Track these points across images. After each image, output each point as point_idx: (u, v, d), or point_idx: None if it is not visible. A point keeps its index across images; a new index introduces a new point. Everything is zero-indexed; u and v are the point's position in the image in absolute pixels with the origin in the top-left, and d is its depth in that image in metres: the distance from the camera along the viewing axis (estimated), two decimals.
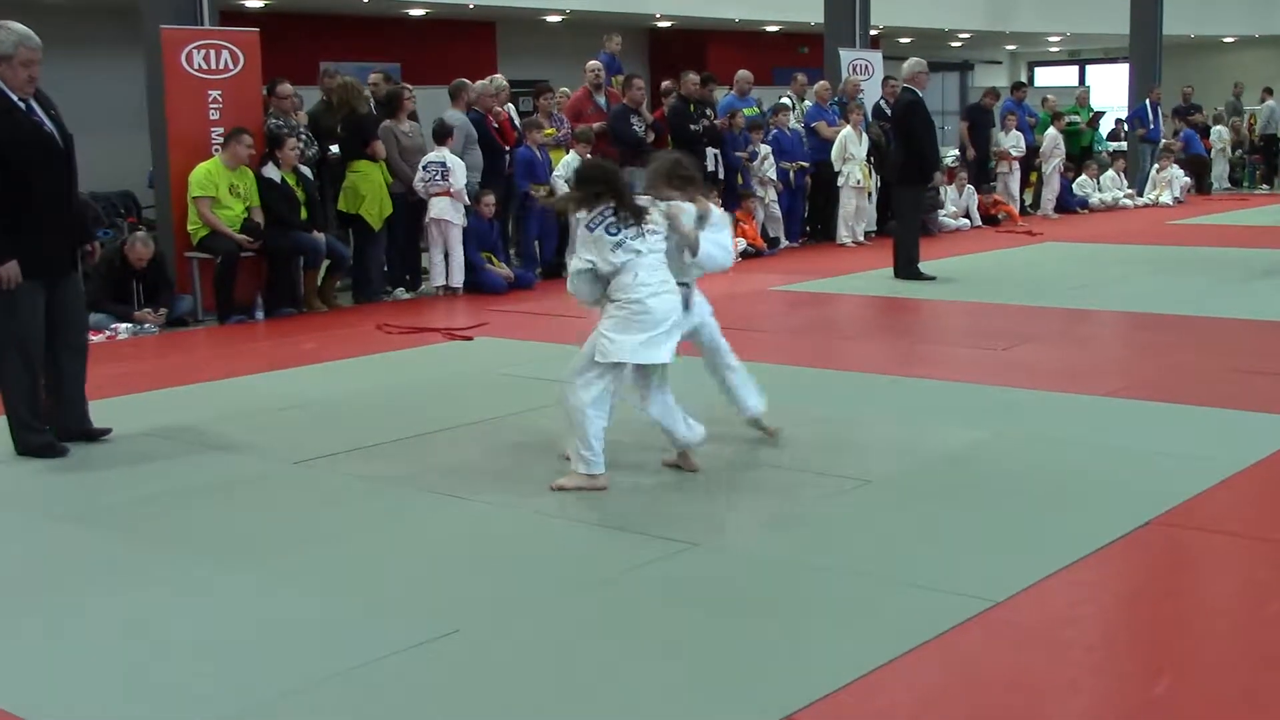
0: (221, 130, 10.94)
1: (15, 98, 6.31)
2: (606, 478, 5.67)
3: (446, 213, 11.75)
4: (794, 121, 15.92)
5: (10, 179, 6.23)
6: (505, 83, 13.86)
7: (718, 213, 6.15)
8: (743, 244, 14.43)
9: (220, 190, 10.68)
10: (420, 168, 11.78)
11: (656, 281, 5.67)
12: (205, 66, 11.06)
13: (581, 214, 5.69)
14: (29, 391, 6.48)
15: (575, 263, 5.76)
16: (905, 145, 12.61)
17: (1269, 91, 22.83)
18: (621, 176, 5.86)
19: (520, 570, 4.80)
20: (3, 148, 6.21)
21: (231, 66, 11.19)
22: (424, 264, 12.33)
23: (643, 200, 5.79)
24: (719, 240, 6.02)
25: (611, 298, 5.69)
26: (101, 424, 6.78)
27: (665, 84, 15.26)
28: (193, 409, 7.53)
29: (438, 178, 11.68)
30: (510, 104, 13.94)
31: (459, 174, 11.72)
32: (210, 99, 11.09)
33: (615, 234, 5.61)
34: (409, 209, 12.02)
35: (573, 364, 5.81)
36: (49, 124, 6.44)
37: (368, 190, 11.58)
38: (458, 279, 11.94)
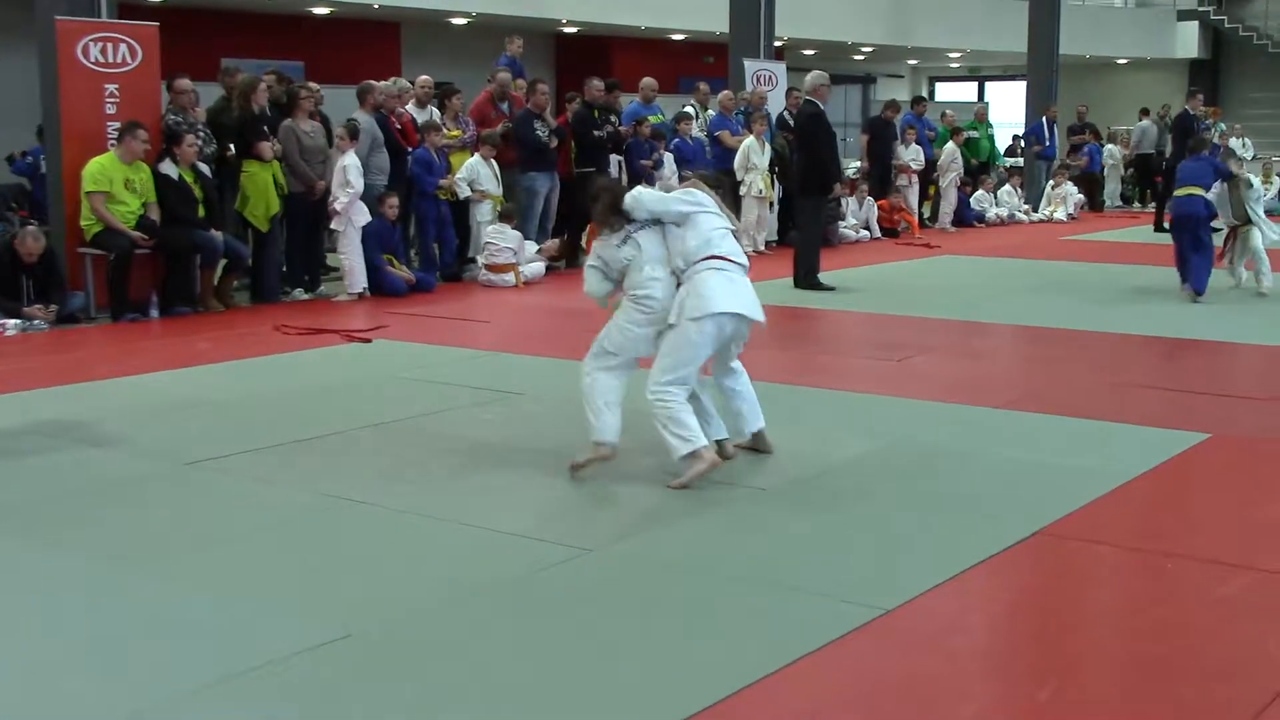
0: (117, 125, 10.75)
1: None
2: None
3: (360, 216, 11.71)
4: (696, 130, 16.00)
5: None
6: (408, 84, 13.79)
7: None
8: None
9: (115, 185, 10.49)
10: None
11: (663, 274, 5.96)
12: (102, 60, 10.86)
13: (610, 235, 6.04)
14: None
15: (588, 259, 6.21)
16: (807, 156, 12.73)
17: (1144, 112, 23.35)
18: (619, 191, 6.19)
19: (413, 574, 4.77)
20: None
21: (129, 60, 11.01)
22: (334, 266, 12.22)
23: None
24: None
25: (626, 292, 6.01)
26: None
27: (570, 94, 15.27)
28: (82, 407, 7.39)
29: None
30: (433, 105, 13.85)
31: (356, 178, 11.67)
32: (107, 93, 10.89)
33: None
34: (309, 209, 11.90)
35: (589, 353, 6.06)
36: None
37: (254, 191, 11.45)
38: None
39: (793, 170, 13.76)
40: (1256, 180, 12.06)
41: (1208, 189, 11.59)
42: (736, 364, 6.31)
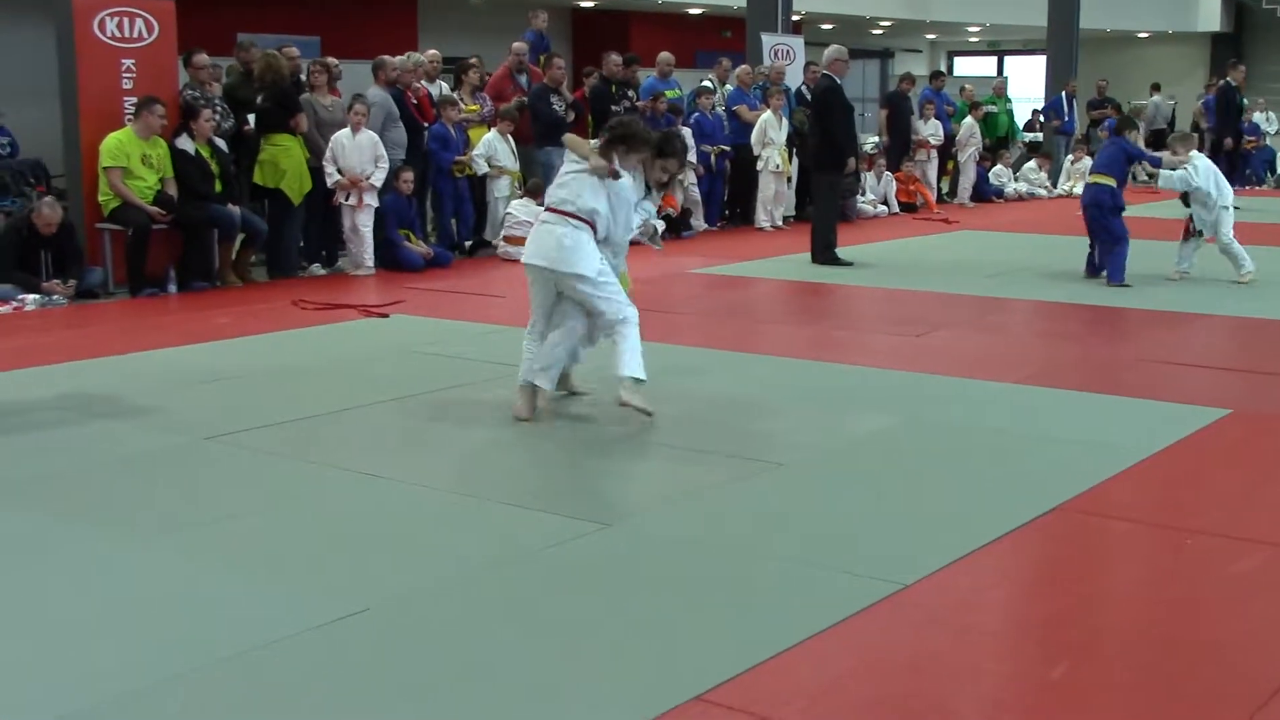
0: (134, 100, 10.76)
1: None
2: None
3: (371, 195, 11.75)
4: (716, 105, 15.95)
5: None
6: (423, 58, 13.76)
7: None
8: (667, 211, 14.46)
9: (132, 161, 10.50)
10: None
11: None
12: (118, 34, 10.87)
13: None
14: None
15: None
16: (822, 131, 12.69)
17: (1155, 88, 23.19)
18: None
19: (431, 549, 4.78)
20: None
21: (146, 35, 11.01)
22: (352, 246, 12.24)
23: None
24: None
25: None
26: (5, 397, 6.64)
27: (587, 69, 15.22)
28: (101, 382, 7.41)
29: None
30: (441, 80, 13.84)
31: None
32: (123, 67, 10.90)
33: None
34: (323, 184, 11.91)
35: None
36: None
37: (289, 165, 11.44)
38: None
39: (809, 145, 13.71)
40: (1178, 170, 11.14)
41: (1121, 178, 11.22)
42: (571, 314, 6.57)
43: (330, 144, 11.62)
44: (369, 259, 11.81)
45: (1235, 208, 11.49)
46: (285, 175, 11.43)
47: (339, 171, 11.60)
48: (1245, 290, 10.74)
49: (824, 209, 12.85)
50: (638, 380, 6.28)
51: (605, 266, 6.41)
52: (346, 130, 11.62)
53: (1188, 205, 11.36)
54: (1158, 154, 11.72)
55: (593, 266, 6.32)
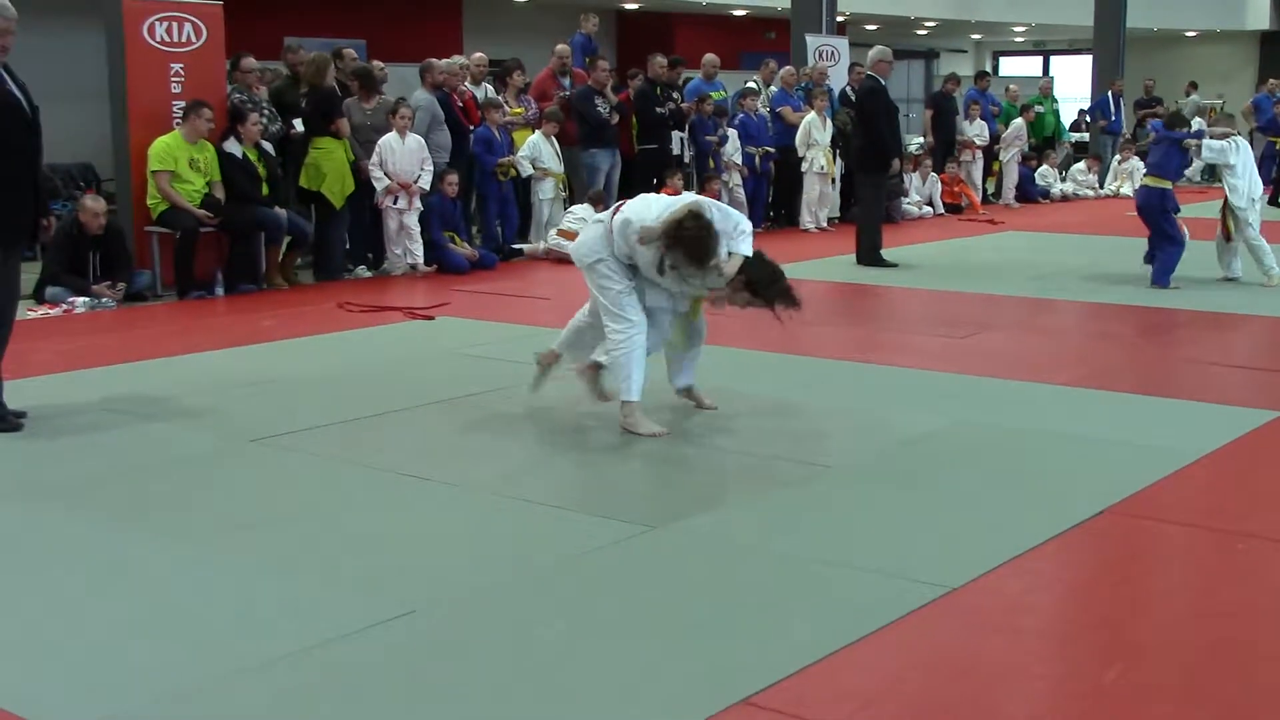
0: (183, 104, 10.84)
1: None
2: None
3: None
4: (761, 106, 15.93)
5: None
6: (468, 61, 13.80)
7: None
8: None
9: (180, 164, 10.58)
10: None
11: None
12: (167, 39, 10.95)
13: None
14: None
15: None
16: (867, 132, 12.64)
17: (1193, 86, 22.98)
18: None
19: (478, 551, 4.79)
20: None
21: (194, 39, 11.09)
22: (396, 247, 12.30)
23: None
24: None
25: None
26: (55, 399, 6.69)
27: (631, 70, 15.25)
28: (149, 384, 7.47)
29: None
30: (488, 82, 13.88)
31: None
32: (172, 72, 10.98)
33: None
34: (369, 187, 11.97)
35: None
36: (17, 93, 6.32)
37: (330, 168, 11.49)
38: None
39: (853, 146, 13.65)
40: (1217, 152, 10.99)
41: (1175, 178, 11.09)
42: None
43: (378, 147, 11.67)
44: (420, 257, 11.86)
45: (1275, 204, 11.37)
46: (326, 178, 11.49)
47: (386, 175, 11.65)
48: None
49: (869, 211, 12.81)
50: (628, 401, 6.22)
51: (611, 264, 6.27)
52: (393, 134, 11.67)
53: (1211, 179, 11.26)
54: (1200, 130, 11.62)
55: (591, 254, 6.30)
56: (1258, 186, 11.13)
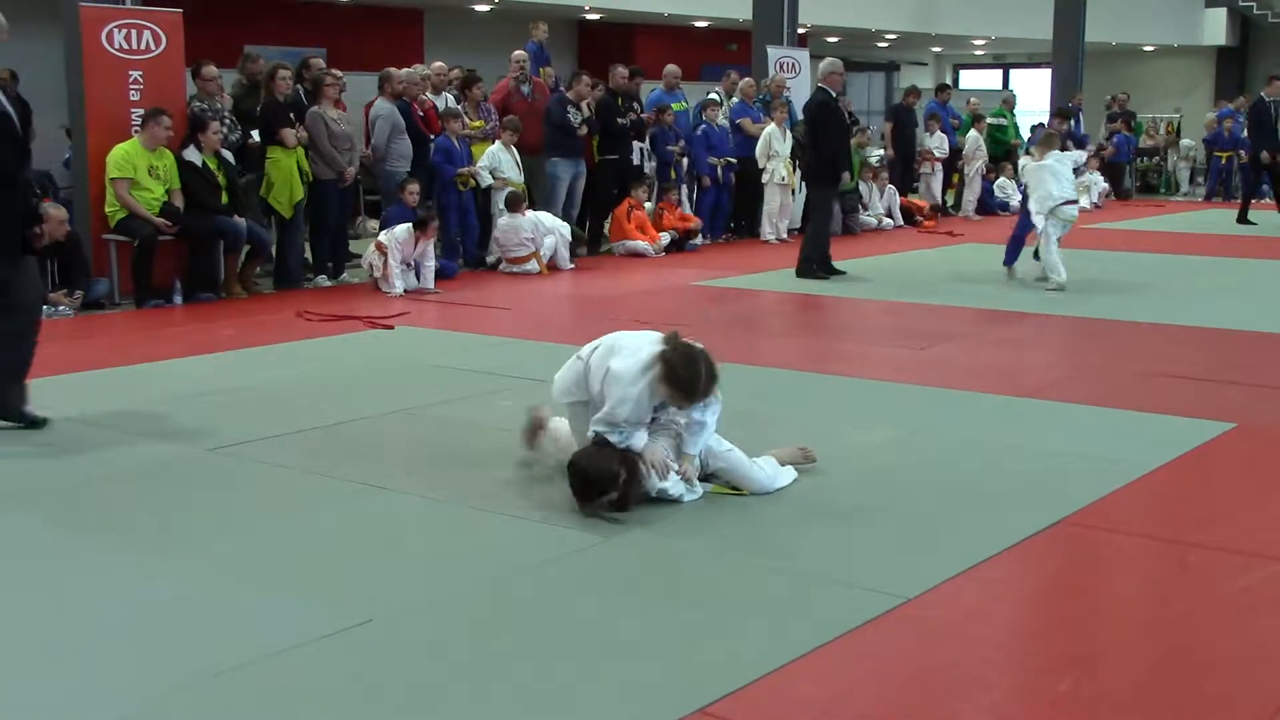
0: (142, 111, 10.79)
1: None
2: None
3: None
4: (722, 117, 15.99)
5: None
6: (429, 70, 13.79)
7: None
8: (668, 237, 14.50)
9: (139, 172, 10.54)
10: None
11: None
12: (126, 46, 10.90)
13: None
14: None
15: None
16: (816, 145, 12.67)
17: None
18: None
19: (435, 560, 4.79)
20: None
21: (153, 47, 11.04)
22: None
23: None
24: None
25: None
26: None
27: (589, 81, 15.29)
28: (107, 393, 7.43)
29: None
30: (450, 93, 13.87)
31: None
32: (131, 79, 10.94)
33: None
34: (337, 196, 11.94)
35: None
36: (5, 102, 6.22)
37: (278, 177, 11.47)
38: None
39: (804, 159, 13.65)
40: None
41: None
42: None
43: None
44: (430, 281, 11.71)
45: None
46: (274, 188, 11.46)
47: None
48: (1253, 304, 10.75)
49: (815, 221, 12.83)
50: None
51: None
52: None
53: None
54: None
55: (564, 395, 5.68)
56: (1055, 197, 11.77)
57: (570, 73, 14.27)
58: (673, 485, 5.33)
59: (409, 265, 11.38)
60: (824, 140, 12.51)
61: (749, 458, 5.59)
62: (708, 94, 16.57)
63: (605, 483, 5.16)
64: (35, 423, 6.58)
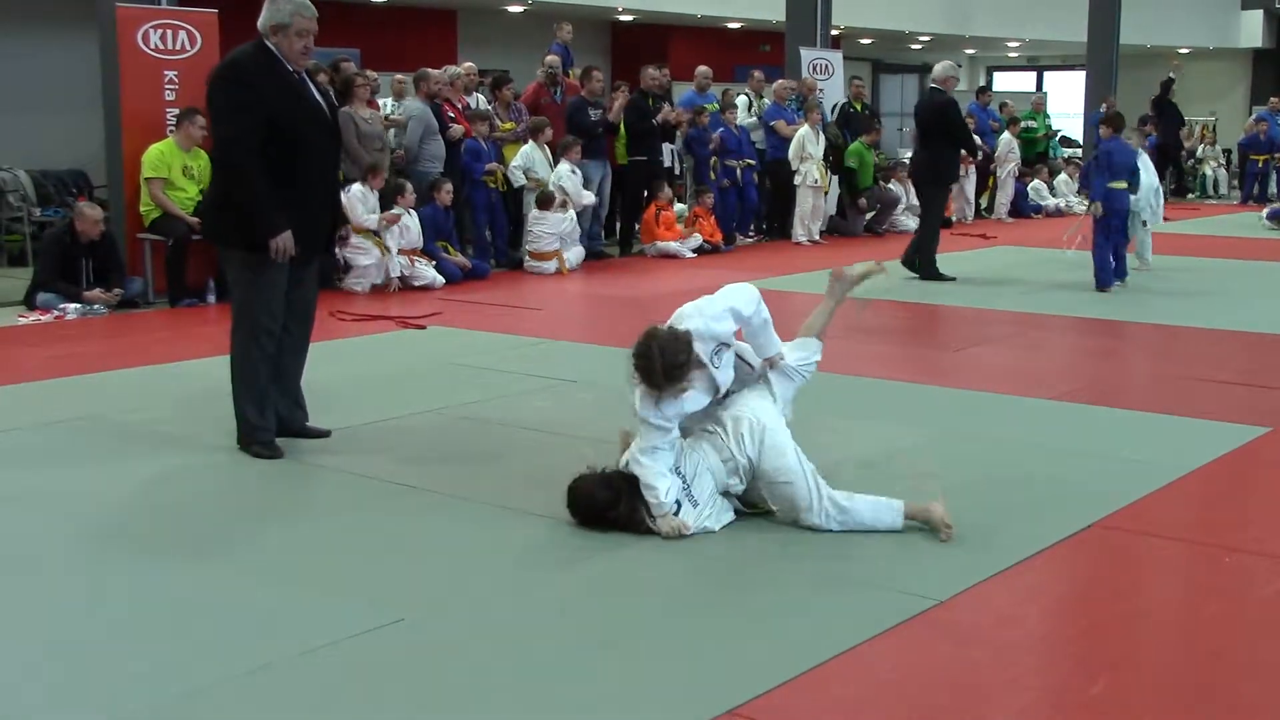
0: (176, 111, 10.85)
1: (291, 69, 6.09)
2: None
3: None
4: (740, 119, 15.96)
5: (284, 152, 5.91)
6: (460, 71, 13.81)
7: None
8: (698, 239, 14.48)
9: (173, 172, 10.60)
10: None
11: None
12: (161, 46, 10.96)
13: None
14: (264, 390, 6.12)
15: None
16: (928, 146, 12.64)
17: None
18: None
19: (467, 560, 4.79)
20: (281, 120, 5.92)
21: (189, 47, 11.10)
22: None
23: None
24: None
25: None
26: (43, 405, 6.68)
27: (617, 82, 15.34)
28: (139, 392, 7.47)
29: None
30: (479, 92, 13.90)
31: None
32: (166, 79, 10.99)
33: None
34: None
35: None
36: (318, 97, 6.23)
37: None
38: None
39: (918, 160, 13.52)
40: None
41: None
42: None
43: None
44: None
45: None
46: None
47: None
48: None
49: (927, 223, 12.87)
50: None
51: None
52: None
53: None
54: None
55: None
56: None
57: (591, 73, 14.21)
58: (695, 523, 5.02)
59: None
60: (935, 142, 12.51)
61: (820, 489, 5.10)
62: (735, 96, 16.46)
63: (604, 506, 5.03)
64: (318, 434, 6.43)
